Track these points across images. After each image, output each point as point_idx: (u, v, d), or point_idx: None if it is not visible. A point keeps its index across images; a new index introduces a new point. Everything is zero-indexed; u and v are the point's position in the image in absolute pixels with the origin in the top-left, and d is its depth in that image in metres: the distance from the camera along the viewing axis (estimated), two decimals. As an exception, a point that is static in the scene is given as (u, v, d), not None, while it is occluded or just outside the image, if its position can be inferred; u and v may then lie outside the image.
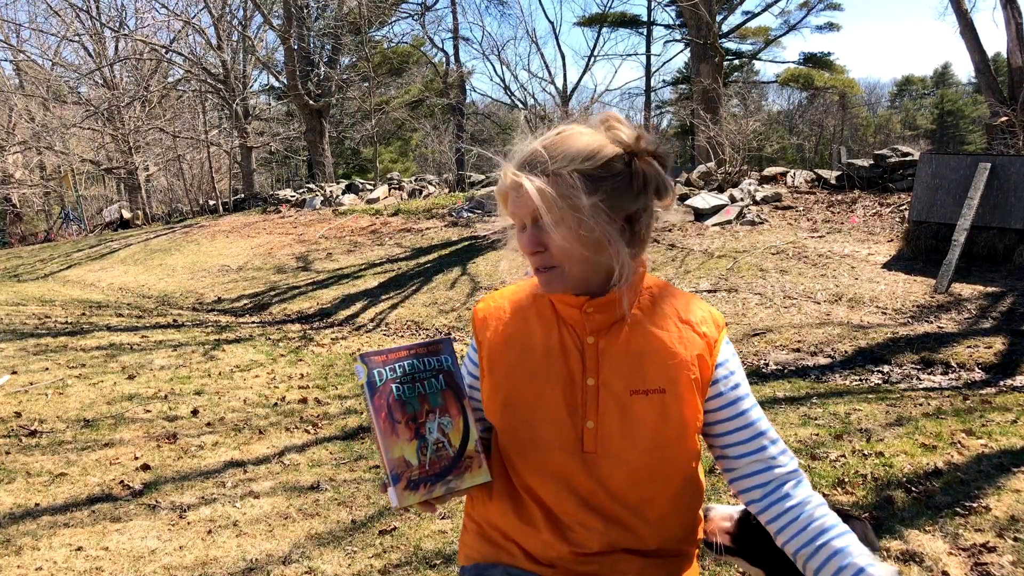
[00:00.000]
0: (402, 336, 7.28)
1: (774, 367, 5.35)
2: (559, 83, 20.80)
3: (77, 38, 23.06)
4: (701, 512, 1.35)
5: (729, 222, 9.23)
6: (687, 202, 9.95)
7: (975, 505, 2.88)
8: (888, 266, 7.17)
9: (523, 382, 1.23)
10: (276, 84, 25.32)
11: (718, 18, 19.83)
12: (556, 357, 1.22)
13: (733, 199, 9.90)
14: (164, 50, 21.99)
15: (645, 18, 25.58)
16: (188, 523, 3.07)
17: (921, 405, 4.18)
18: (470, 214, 12.36)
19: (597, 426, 1.20)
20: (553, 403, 1.21)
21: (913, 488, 3.07)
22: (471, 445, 1.17)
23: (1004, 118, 9.75)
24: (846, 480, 3.19)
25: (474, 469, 1.17)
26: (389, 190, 16.93)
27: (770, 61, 35.86)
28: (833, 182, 10.27)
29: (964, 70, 45.31)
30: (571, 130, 1.17)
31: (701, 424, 1.23)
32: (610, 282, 1.19)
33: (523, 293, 1.32)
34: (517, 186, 1.14)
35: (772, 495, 1.22)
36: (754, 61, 27.58)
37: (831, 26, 24.81)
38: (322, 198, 16.33)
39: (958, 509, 2.86)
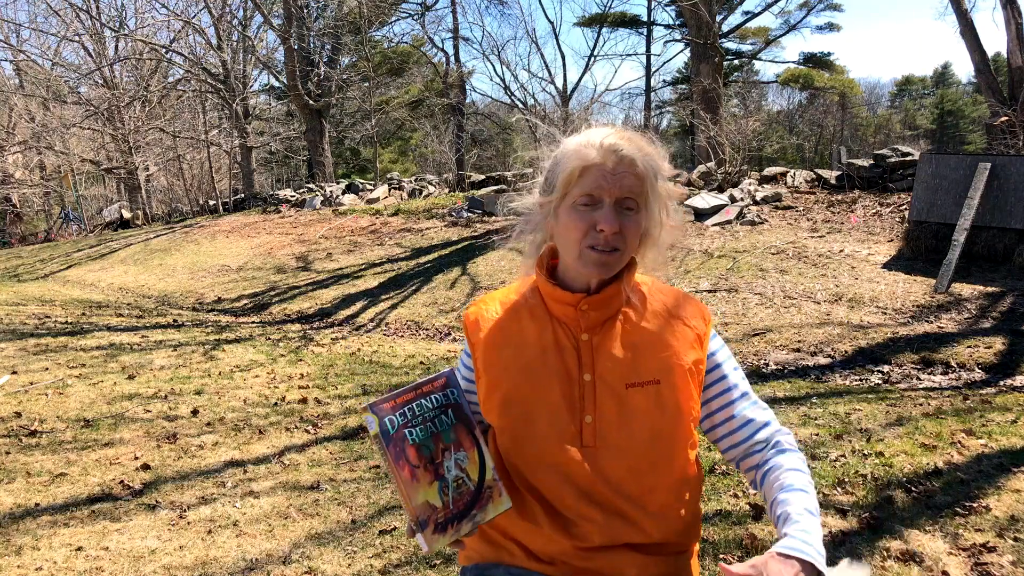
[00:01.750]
0: (402, 336, 7.28)
1: (774, 367, 5.35)
2: (559, 83, 20.83)
3: (77, 38, 23.06)
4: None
5: (729, 222, 9.22)
6: (687, 202, 9.95)
7: (975, 505, 2.88)
8: (888, 266, 7.17)
9: (520, 379, 1.25)
10: (276, 84, 25.35)
11: (718, 18, 19.82)
12: (552, 354, 1.25)
13: (733, 199, 9.90)
14: (164, 50, 22.00)
15: (645, 18, 25.58)
16: (188, 523, 3.07)
17: (921, 405, 4.18)
18: (470, 214, 12.36)
19: (595, 420, 1.22)
20: (551, 399, 1.23)
21: (913, 488, 3.07)
22: (489, 475, 1.18)
23: (1004, 118, 9.75)
24: (846, 480, 3.19)
25: (496, 498, 1.18)
26: (389, 190, 16.93)
27: (770, 61, 35.80)
28: (833, 182, 10.27)
29: (964, 70, 45.29)
30: (634, 132, 1.23)
31: (698, 414, 1.26)
32: (608, 280, 1.24)
33: (513, 294, 1.34)
34: (617, 163, 1.16)
35: (767, 473, 1.24)
36: (754, 61, 27.57)
37: (831, 26, 24.78)
38: (322, 198, 16.33)
39: (958, 509, 2.86)
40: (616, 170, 1.16)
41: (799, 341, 5.73)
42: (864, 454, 3.48)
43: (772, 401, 4.50)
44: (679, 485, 1.26)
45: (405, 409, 1.15)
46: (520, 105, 15.49)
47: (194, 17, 21.44)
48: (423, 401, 1.17)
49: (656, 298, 1.29)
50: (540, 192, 1.26)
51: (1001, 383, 4.71)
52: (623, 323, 1.25)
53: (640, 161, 1.16)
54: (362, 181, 18.42)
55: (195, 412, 4.59)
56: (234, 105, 19.84)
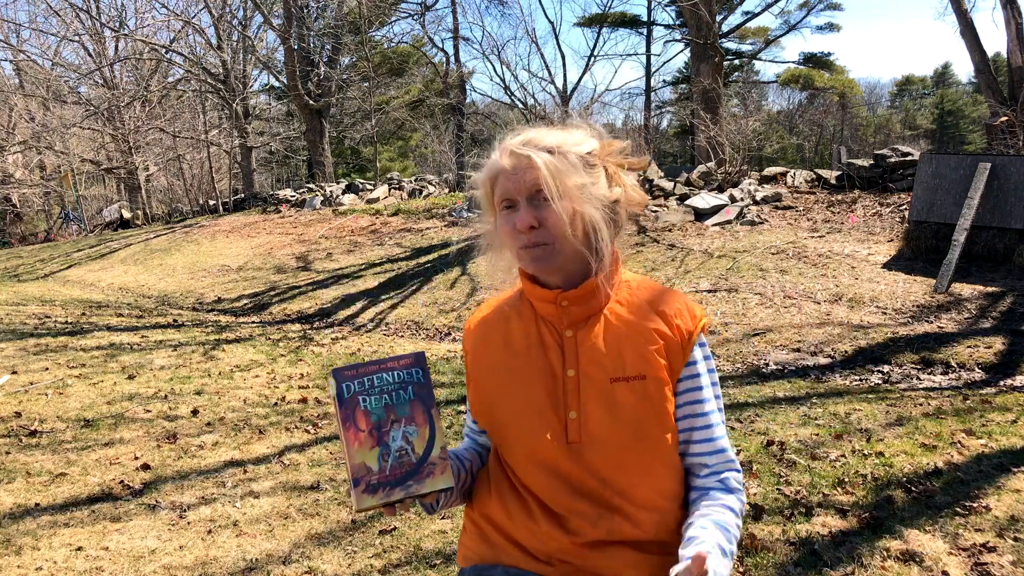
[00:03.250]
0: (402, 336, 7.28)
1: (774, 367, 5.35)
2: (559, 83, 20.82)
3: (77, 38, 23.07)
4: None
5: (729, 222, 9.22)
6: (687, 202, 9.95)
7: (975, 505, 2.88)
8: (888, 266, 7.17)
9: (505, 379, 1.27)
10: (276, 84, 25.36)
11: (718, 18, 19.82)
12: (536, 352, 1.26)
13: (733, 199, 9.90)
14: (164, 50, 21.99)
15: (645, 18, 25.62)
16: (188, 523, 3.07)
17: (921, 405, 4.18)
18: (470, 214, 12.36)
19: (580, 415, 1.22)
20: (535, 396, 1.24)
21: (913, 488, 3.07)
22: (435, 452, 1.21)
23: (1004, 118, 9.75)
24: (846, 480, 3.19)
25: (436, 475, 1.20)
26: (389, 190, 16.93)
27: (770, 61, 35.85)
28: (833, 182, 10.27)
29: (964, 70, 45.31)
30: (546, 127, 1.26)
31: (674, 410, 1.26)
32: (586, 275, 1.25)
33: (506, 299, 1.37)
34: (515, 162, 1.19)
35: (700, 498, 1.24)
36: (754, 61, 27.59)
37: (831, 26, 24.83)
38: (322, 198, 16.33)
39: (958, 509, 2.86)
40: (516, 168, 1.19)
41: (799, 341, 5.73)
42: (864, 454, 3.48)
43: (772, 401, 4.50)
44: (668, 480, 1.26)
45: (364, 379, 1.21)
46: (520, 105, 15.49)
47: (194, 17, 21.46)
48: (384, 375, 1.22)
49: (643, 294, 1.29)
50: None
51: (1001, 383, 4.71)
52: (607, 319, 1.26)
53: (535, 154, 1.18)
54: (362, 181, 18.42)
55: (195, 412, 4.59)
56: (234, 105, 19.84)
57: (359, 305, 8.59)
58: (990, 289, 6.38)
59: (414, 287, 8.89)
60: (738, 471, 1.26)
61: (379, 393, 1.20)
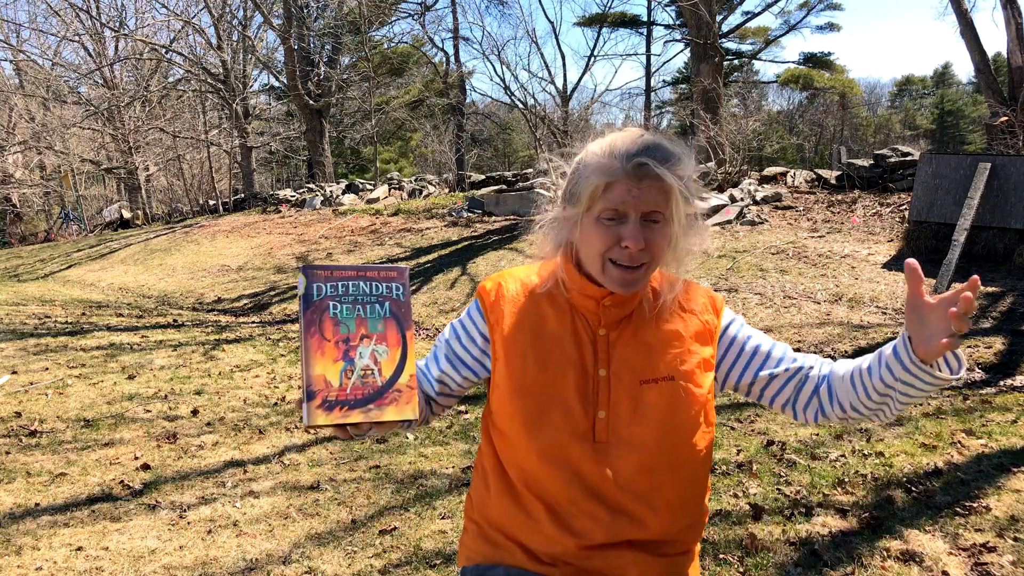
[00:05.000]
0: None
1: (774, 367, 5.35)
2: (559, 83, 20.81)
3: (77, 38, 23.08)
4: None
5: (729, 222, 9.22)
6: (687, 202, 9.93)
7: (975, 505, 2.88)
8: (888, 266, 7.17)
9: (537, 367, 1.24)
10: (276, 84, 25.36)
11: (718, 18, 19.83)
12: (569, 346, 1.24)
13: (733, 199, 9.90)
14: (164, 50, 22.00)
15: (645, 18, 25.60)
16: (188, 523, 3.07)
17: (921, 405, 4.18)
18: (470, 214, 12.36)
19: (608, 415, 1.21)
20: (566, 391, 1.22)
21: (913, 488, 3.07)
22: (404, 379, 1.10)
23: (1004, 118, 9.75)
24: (846, 480, 3.19)
25: (401, 403, 1.09)
26: (389, 190, 16.94)
27: (770, 61, 35.89)
28: (833, 182, 10.27)
29: (964, 70, 45.32)
30: (652, 132, 1.20)
31: (712, 403, 1.27)
32: None
33: (535, 279, 1.31)
34: (641, 176, 1.10)
35: (816, 392, 1.28)
36: (754, 61, 27.57)
37: (831, 26, 24.80)
38: (322, 198, 16.33)
39: (958, 509, 2.86)
40: (642, 184, 1.11)
41: (799, 341, 5.73)
42: (864, 454, 3.48)
43: (772, 401, 4.50)
44: (689, 482, 1.26)
45: (339, 283, 1.10)
46: (520, 105, 15.47)
47: (194, 17, 21.47)
48: (362, 283, 1.11)
49: (669, 293, 1.28)
50: (563, 200, 1.23)
51: (1001, 383, 4.71)
52: (639, 319, 1.25)
53: (667, 175, 1.10)
54: (362, 181, 18.43)
55: (195, 412, 4.59)
56: (234, 105, 19.84)
57: (359, 305, 8.59)
58: (990, 289, 6.38)
59: (414, 287, 8.89)
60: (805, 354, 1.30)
61: (352, 302, 1.09)
